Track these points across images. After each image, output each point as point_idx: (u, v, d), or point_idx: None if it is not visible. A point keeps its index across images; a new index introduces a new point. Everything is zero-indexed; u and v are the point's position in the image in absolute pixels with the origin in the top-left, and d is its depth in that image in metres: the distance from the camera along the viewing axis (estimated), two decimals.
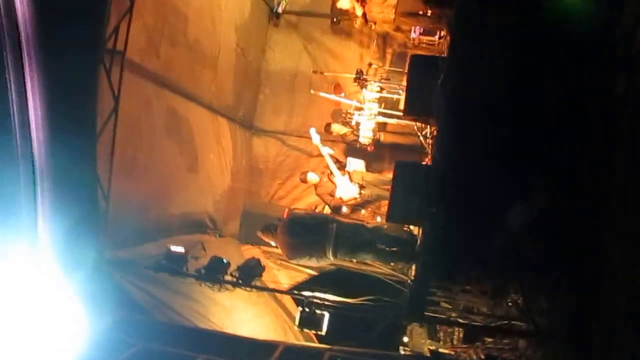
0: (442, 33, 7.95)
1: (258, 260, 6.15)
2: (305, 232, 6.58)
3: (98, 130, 5.51)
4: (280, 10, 10.36)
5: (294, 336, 7.86)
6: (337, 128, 9.05)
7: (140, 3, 6.13)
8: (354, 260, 7.51)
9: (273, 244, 7.02)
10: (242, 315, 7.26)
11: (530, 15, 4.78)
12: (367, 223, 7.26)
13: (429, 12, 7.81)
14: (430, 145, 6.82)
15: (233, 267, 5.90)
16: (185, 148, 7.93)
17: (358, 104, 8.57)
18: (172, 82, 7.53)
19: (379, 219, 8.31)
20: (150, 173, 7.06)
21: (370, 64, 9.17)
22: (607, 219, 4.49)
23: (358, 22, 9.27)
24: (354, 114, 8.60)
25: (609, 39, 4.58)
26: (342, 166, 8.50)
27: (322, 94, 8.77)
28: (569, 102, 4.65)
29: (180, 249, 5.99)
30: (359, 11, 8.93)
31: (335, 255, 6.50)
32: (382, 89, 8.44)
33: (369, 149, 8.89)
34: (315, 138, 8.28)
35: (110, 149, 5.79)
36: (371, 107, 8.37)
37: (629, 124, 4.36)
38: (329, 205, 8.69)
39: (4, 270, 4.38)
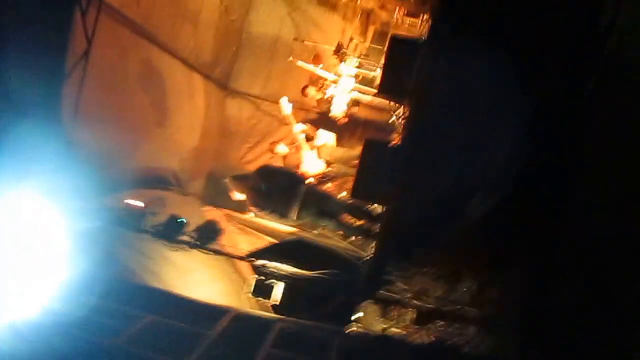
0: (425, 17, 7.91)
1: (218, 223, 6.13)
2: (276, 184, 6.60)
3: (67, 72, 5.36)
4: None
5: (248, 304, 7.88)
6: (313, 92, 9.01)
7: None
8: (315, 232, 7.55)
9: (238, 195, 6.98)
10: (196, 277, 7.20)
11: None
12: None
13: None
14: (401, 125, 6.83)
15: (192, 227, 5.86)
16: (157, 101, 7.78)
17: (335, 77, 8.50)
18: (151, 32, 7.34)
19: (344, 193, 8.32)
20: (118, 123, 6.92)
21: (351, 39, 9.12)
22: (564, 217, 4.57)
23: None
24: (330, 86, 8.54)
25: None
26: (311, 140, 8.46)
27: (300, 63, 8.68)
28: (541, 101, 4.67)
29: (139, 204, 5.91)
30: None
31: (298, 217, 6.55)
32: (360, 64, 8.38)
33: (342, 122, 8.86)
34: (287, 108, 8.27)
35: (77, 92, 5.64)
36: (348, 81, 8.30)
37: (595, 124, 4.42)
38: None
39: None
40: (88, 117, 6.01)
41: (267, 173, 6.88)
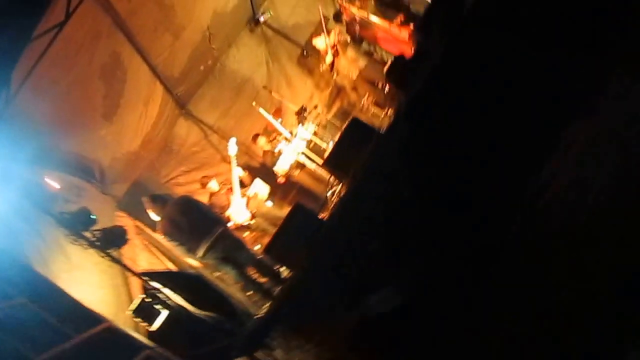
0: (390, 111, 8.25)
1: (126, 232, 6.00)
2: (193, 218, 6.53)
3: (33, 36, 5.28)
4: (262, 19, 10.41)
5: (127, 322, 7.62)
6: (263, 142, 9.12)
7: None
8: (215, 274, 7.47)
9: (152, 215, 6.87)
10: (84, 276, 6.95)
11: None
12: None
13: (387, 88, 8.10)
14: (333, 202, 6.99)
15: (99, 226, 5.72)
16: (111, 95, 7.69)
17: (289, 136, 8.66)
18: (130, 30, 7.37)
19: (258, 247, 8.32)
20: (66, 101, 6.81)
21: (316, 107, 9.37)
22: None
23: (324, 66, 9.43)
24: (281, 142, 8.68)
25: None
26: (244, 187, 8.51)
27: (262, 110, 8.81)
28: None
29: (55, 185, 5.76)
30: (329, 57, 9.09)
31: (204, 256, 6.47)
32: (316, 133, 8.58)
33: (280, 180, 8.95)
34: (233, 149, 8.33)
35: (36, 59, 5.55)
36: (299, 143, 8.46)
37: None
38: None
39: None
40: (37, 87, 5.91)
41: (186, 205, 6.80)
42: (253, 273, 6.88)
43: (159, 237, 7.00)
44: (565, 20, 4.68)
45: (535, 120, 4.60)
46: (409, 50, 8.05)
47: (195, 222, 6.61)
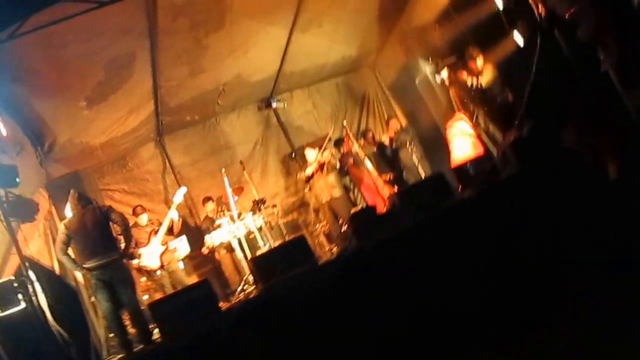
0: (334, 249, 8.30)
1: (37, 210, 5.73)
2: (104, 232, 6.29)
3: None
4: (274, 105, 10.64)
5: None
6: (210, 209, 9.04)
7: None
8: (92, 299, 7.08)
9: (68, 210, 6.59)
10: None
11: None
12: None
13: (345, 228, 8.18)
14: (236, 299, 6.87)
15: (17, 191, 5.44)
16: (105, 85, 7.65)
17: (236, 216, 8.54)
18: (158, 44, 7.45)
19: (146, 297, 7.96)
20: (62, 66, 6.76)
21: (274, 206, 9.33)
22: None
23: (301, 175, 9.52)
24: (225, 216, 8.54)
25: None
26: (169, 235, 8.32)
27: (225, 180, 8.73)
28: None
29: (2, 131, 5.53)
30: (309, 170, 9.20)
31: (90, 271, 6.17)
32: (261, 228, 8.50)
33: (204, 250, 8.75)
34: (179, 197, 8.30)
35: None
36: (241, 229, 8.34)
37: None
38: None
39: None
40: (45, 39, 5.89)
41: (106, 219, 6.49)
42: (126, 318, 6.49)
43: (62, 233, 6.60)
44: None
45: None
46: (382, 208, 8.23)
47: (104, 236, 6.32)
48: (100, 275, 6.15)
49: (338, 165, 9.44)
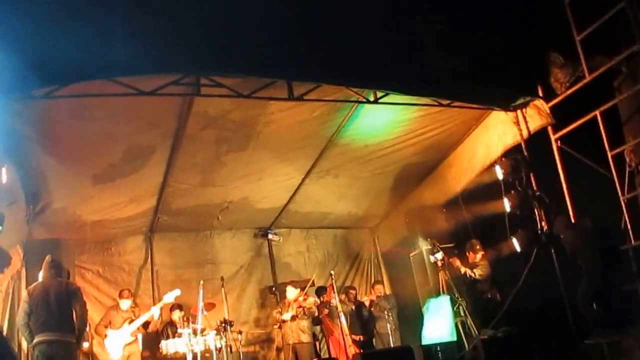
0: None
1: (8, 262, 5.67)
2: (68, 312, 6.23)
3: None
4: (270, 236, 10.76)
5: None
6: (176, 316, 8.97)
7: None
8: None
9: (40, 275, 6.59)
10: None
11: None
12: None
13: None
14: None
15: None
16: (116, 168, 7.75)
17: (199, 330, 8.31)
18: (178, 145, 7.64)
19: None
20: (80, 137, 6.91)
21: (240, 332, 9.06)
22: None
23: (275, 313, 9.41)
24: (188, 329, 8.30)
25: None
26: (145, 329, 8.39)
27: (200, 292, 8.57)
28: None
29: (3, 178, 5.65)
30: (286, 316, 9.07)
31: (36, 345, 6.05)
32: (220, 349, 8.26)
33: (159, 353, 8.48)
34: (169, 298, 8.52)
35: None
36: (199, 344, 8.09)
37: None
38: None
39: None
40: (72, 109, 6.10)
41: (74, 299, 6.37)
42: None
43: (24, 302, 6.46)
44: None
45: None
46: None
47: (62, 314, 6.16)
48: (45, 349, 5.95)
49: (316, 313, 9.30)
